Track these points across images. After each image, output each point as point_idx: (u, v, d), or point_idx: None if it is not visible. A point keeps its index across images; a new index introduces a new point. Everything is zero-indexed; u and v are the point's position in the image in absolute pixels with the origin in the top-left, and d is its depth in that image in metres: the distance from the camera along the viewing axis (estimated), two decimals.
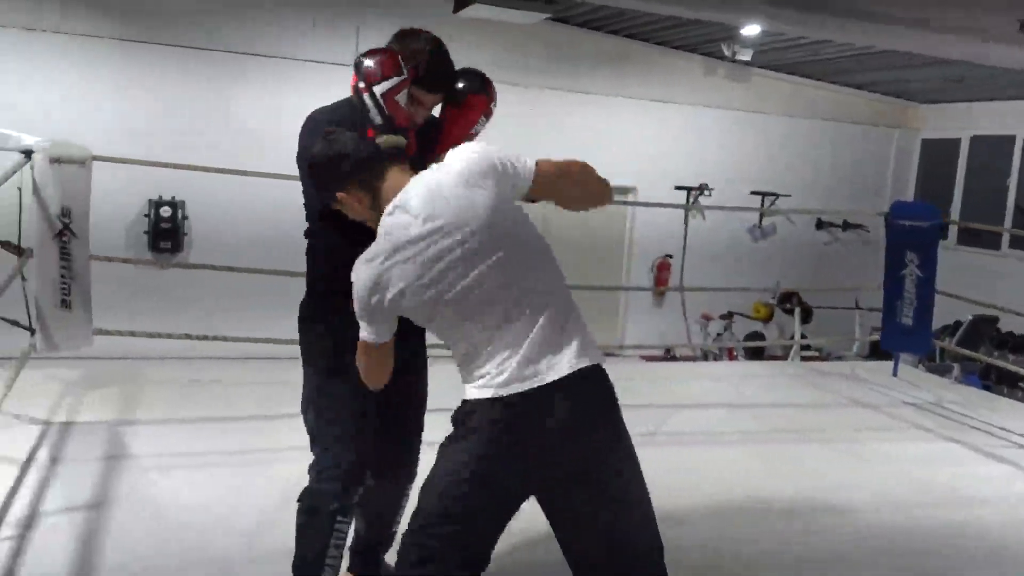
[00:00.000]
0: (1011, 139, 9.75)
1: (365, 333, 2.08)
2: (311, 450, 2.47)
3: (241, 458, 3.97)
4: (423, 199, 2.00)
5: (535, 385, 1.95)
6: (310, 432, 2.47)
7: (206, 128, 7.97)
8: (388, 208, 2.05)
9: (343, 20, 8.31)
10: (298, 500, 2.44)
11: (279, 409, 4.57)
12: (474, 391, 2.00)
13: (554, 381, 1.96)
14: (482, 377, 1.99)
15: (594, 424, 2.04)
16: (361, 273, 2.01)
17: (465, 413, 2.01)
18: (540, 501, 2.10)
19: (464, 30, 8.35)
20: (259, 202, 8.00)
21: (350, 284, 2.04)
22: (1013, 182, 9.67)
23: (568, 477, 2.02)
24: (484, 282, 1.97)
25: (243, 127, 8.10)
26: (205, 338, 5.11)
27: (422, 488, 2.05)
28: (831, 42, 8.06)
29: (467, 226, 1.97)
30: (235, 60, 8.07)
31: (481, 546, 2.05)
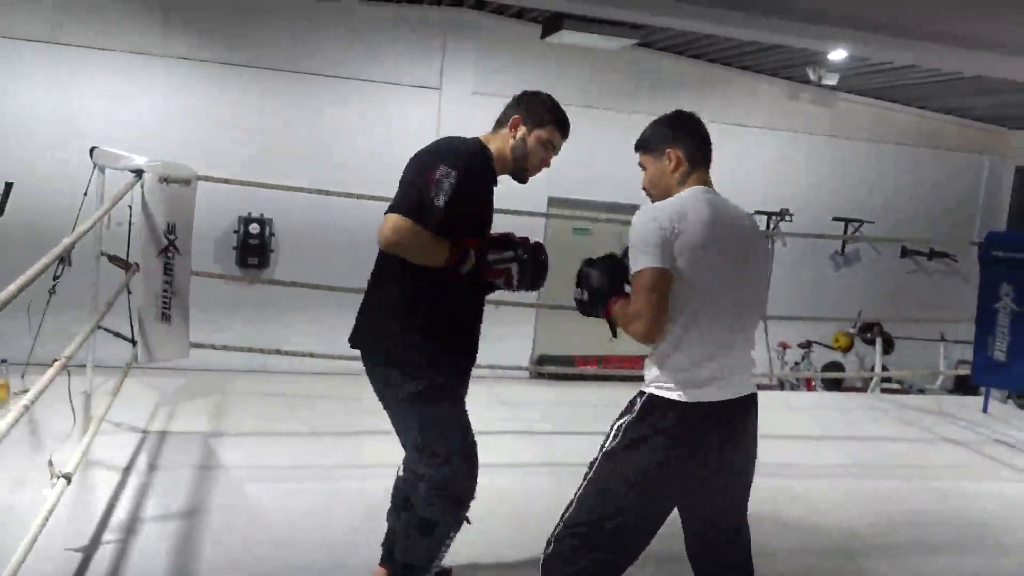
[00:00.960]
0: None
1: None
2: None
3: (328, 471, 4.08)
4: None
5: (727, 397, 2.22)
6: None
7: (294, 148, 8.24)
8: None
9: (428, 43, 8.50)
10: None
11: (361, 424, 4.71)
12: (664, 390, 2.18)
13: (741, 397, 2.25)
14: (680, 372, 2.17)
15: (750, 441, 2.34)
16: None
17: (651, 409, 2.19)
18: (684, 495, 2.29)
19: (549, 55, 8.48)
20: (342, 220, 8.22)
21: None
22: None
23: (719, 483, 2.26)
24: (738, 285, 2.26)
25: (329, 147, 8.34)
26: (295, 354, 5.27)
27: (592, 481, 2.23)
28: (916, 67, 7.89)
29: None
30: (322, 82, 8.33)
31: (645, 541, 2.25)
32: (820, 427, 5.73)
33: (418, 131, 8.54)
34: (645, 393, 2.22)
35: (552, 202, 8.93)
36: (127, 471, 3.78)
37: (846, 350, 9.49)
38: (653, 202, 2.34)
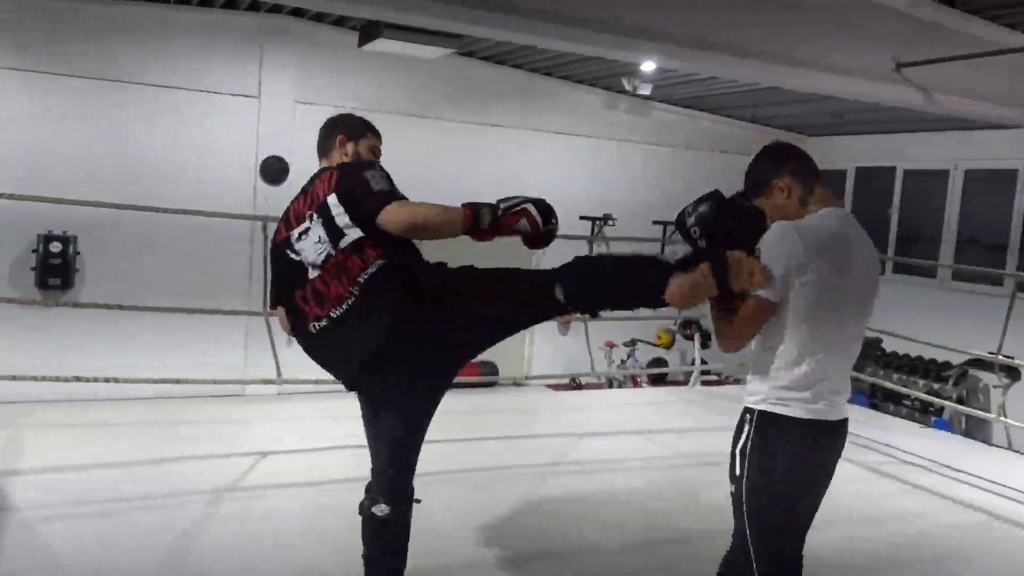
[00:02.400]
0: (891, 170, 10.34)
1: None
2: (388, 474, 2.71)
3: (131, 504, 3.83)
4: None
5: (834, 418, 2.32)
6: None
7: (102, 160, 7.71)
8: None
9: (245, 51, 8.21)
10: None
11: (168, 451, 4.44)
12: (780, 406, 2.26)
13: (842, 419, 2.35)
14: (796, 391, 2.25)
15: (837, 461, 2.43)
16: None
17: (769, 426, 2.28)
18: None
19: (372, 64, 8.39)
20: (156, 236, 7.77)
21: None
22: (895, 211, 10.24)
23: (812, 498, 2.43)
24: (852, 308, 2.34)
25: (141, 159, 7.87)
26: (92, 380, 4.91)
27: (751, 516, 2.31)
28: (719, 79, 8.42)
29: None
30: (133, 90, 7.85)
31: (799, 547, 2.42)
32: (643, 422, 5.98)
33: (237, 141, 8.23)
34: (756, 411, 2.30)
35: None
36: None
37: (668, 346, 9.97)
38: None
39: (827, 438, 2.32)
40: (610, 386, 9.45)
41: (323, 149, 2.87)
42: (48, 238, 7.56)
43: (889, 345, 9.08)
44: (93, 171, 7.59)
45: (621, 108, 10.17)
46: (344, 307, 2.51)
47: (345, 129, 2.85)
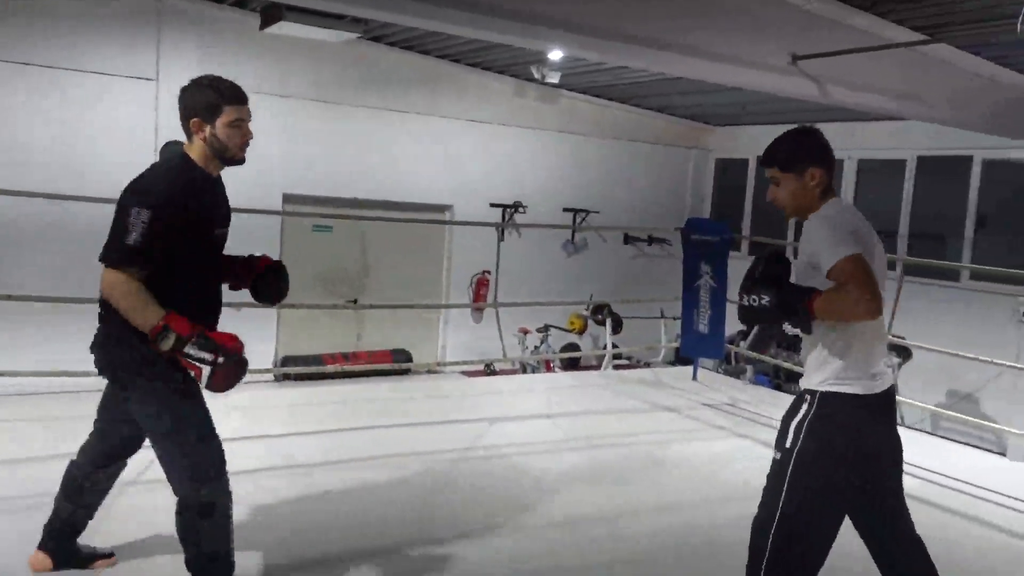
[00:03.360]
0: None
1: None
2: (177, 466, 2.64)
3: (34, 501, 3.66)
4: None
5: (887, 388, 2.49)
6: (173, 452, 2.65)
7: None
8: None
9: (141, 32, 7.90)
10: (184, 511, 2.65)
11: (71, 446, 4.28)
12: (841, 386, 2.41)
13: (892, 386, 2.52)
14: (856, 369, 2.42)
15: (895, 426, 2.60)
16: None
17: (831, 405, 2.41)
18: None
19: (276, 47, 8.19)
20: (48, 223, 7.44)
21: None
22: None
23: (883, 466, 2.54)
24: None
25: (31, 143, 7.50)
26: None
27: (793, 480, 2.38)
28: (628, 68, 8.56)
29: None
30: (16, 70, 7.46)
31: (837, 529, 2.48)
32: (551, 406, 6.06)
33: (135, 124, 7.92)
34: (818, 392, 2.44)
35: (288, 198, 8.67)
36: None
37: (581, 331, 10.12)
38: (786, 216, 2.63)
39: (884, 409, 2.50)
40: (524, 371, 9.53)
41: (185, 132, 2.69)
42: None
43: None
44: None
45: (530, 96, 10.23)
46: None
47: (196, 108, 2.63)
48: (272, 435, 4.77)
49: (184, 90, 2.68)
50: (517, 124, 10.27)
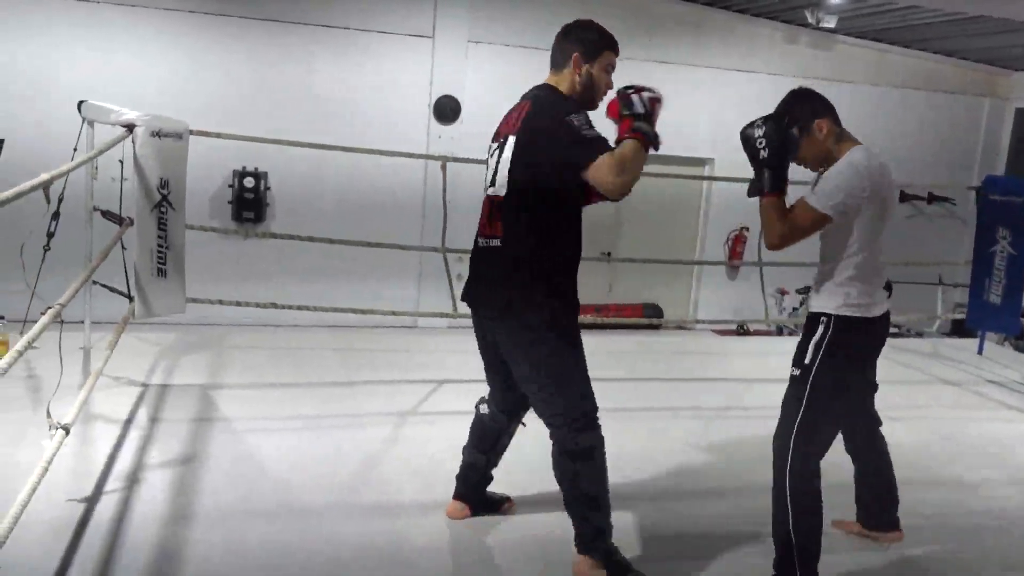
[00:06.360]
0: None
1: None
2: (557, 406, 2.73)
3: (326, 421, 4.12)
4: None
5: (884, 312, 2.79)
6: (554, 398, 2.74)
7: (288, 101, 8.16)
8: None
9: None
10: (566, 451, 2.73)
11: (357, 375, 4.75)
12: (854, 310, 2.71)
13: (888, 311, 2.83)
14: (865, 296, 2.72)
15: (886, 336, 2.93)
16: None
17: (846, 327, 2.71)
18: None
19: (545, 1, 8.33)
20: (337, 174, 8.20)
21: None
22: None
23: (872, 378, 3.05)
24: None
25: (323, 99, 8.26)
26: (289, 307, 5.29)
27: (813, 388, 2.71)
28: (918, 8, 7.76)
29: None
30: (313, 32, 8.21)
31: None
32: None
33: (412, 81, 8.46)
34: (832, 315, 2.72)
35: None
36: (128, 423, 3.82)
37: None
38: (812, 170, 2.86)
39: (883, 327, 2.84)
40: (780, 334, 9.16)
41: (555, 62, 2.76)
42: (242, 174, 8.13)
43: None
44: (281, 112, 8.05)
45: (802, 42, 9.61)
46: (497, 244, 2.73)
47: (583, 46, 2.72)
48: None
49: (570, 27, 2.79)
50: (786, 73, 9.70)
